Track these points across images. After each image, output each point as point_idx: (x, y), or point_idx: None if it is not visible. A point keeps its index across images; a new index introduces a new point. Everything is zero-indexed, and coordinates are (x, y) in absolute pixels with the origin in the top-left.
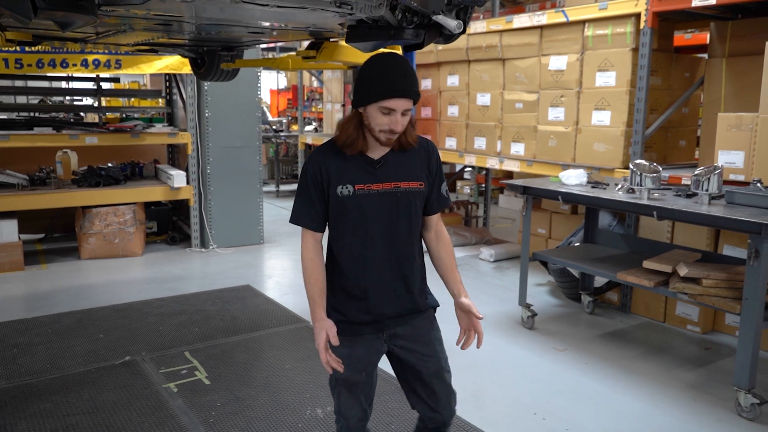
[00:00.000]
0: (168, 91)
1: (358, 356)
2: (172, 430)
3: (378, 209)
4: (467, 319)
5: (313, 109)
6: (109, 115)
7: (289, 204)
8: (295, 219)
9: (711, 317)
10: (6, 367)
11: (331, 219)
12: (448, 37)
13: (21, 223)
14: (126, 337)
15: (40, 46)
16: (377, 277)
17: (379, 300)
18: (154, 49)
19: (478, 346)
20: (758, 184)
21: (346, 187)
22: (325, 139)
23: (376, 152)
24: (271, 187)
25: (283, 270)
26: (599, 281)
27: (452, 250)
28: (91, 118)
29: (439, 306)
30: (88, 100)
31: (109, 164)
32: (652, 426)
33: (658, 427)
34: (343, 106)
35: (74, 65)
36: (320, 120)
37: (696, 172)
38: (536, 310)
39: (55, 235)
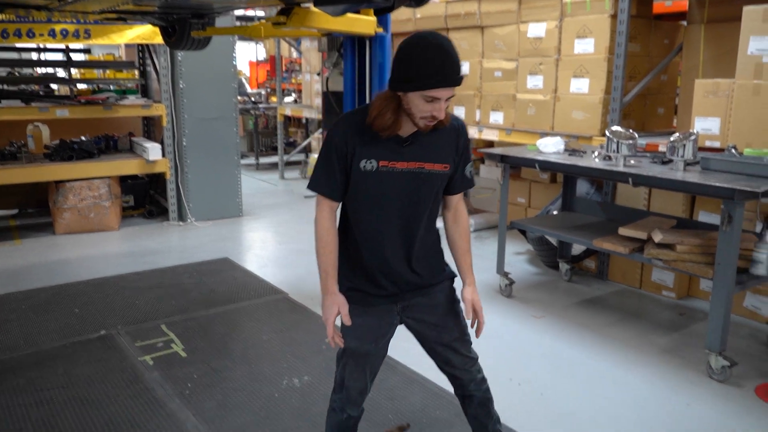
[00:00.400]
0: (141, 62)
1: (369, 326)
2: (147, 403)
3: (399, 188)
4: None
5: (293, 81)
6: (81, 87)
7: (269, 177)
8: (313, 185)
9: (686, 283)
10: None
11: (349, 191)
12: (419, 0)
13: None
14: (102, 311)
15: (4, 15)
16: (391, 252)
17: (393, 275)
18: (123, 17)
19: (477, 334)
20: (733, 150)
21: (370, 162)
22: (305, 111)
23: (406, 129)
24: (251, 160)
25: (263, 242)
26: (577, 249)
27: (468, 233)
28: (64, 91)
29: (456, 276)
30: (61, 73)
31: (83, 137)
32: (626, 390)
33: (632, 391)
34: (319, 74)
35: (41, 35)
36: (299, 91)
37: (672, 139)
38: (514, 279)
39: (29, 211)
